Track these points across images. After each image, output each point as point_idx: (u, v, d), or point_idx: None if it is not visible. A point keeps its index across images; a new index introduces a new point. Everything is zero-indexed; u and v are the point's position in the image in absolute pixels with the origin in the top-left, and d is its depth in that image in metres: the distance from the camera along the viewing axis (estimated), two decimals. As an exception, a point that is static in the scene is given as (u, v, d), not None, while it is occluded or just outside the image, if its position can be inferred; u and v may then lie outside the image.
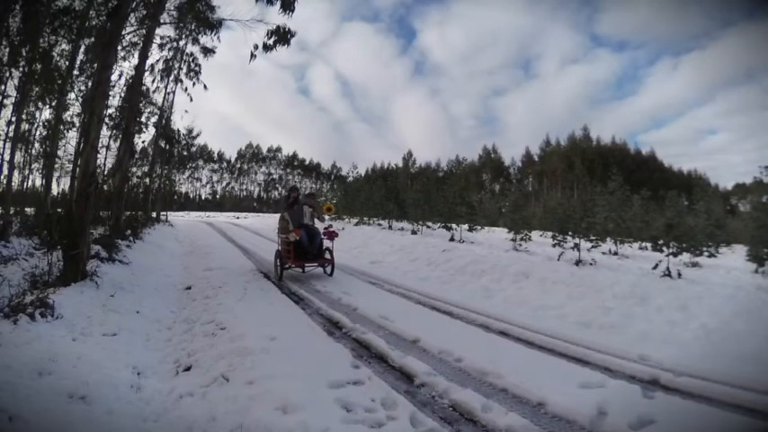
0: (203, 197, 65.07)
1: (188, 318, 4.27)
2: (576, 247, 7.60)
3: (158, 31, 11.33)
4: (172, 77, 15.49)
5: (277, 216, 8.06)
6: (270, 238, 13.97)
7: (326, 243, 6.46)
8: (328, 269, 6.38)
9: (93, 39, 10.40)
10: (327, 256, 6.37)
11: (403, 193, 17.37)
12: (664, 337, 3.60)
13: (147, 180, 17.72)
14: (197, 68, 15.22)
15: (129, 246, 8.09)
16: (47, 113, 13.18)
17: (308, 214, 6.42)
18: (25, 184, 15.65)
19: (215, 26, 10.35)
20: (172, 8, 10.79)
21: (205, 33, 12.30)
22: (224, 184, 67.34)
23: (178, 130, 17.27)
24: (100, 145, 9.95)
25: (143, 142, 16.41)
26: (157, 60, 14.44)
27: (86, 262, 4.84)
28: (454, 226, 11.40)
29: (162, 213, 19.87)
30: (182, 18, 11.38)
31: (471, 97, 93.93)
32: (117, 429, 2.06)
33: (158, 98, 15.86)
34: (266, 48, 7.66)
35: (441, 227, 12.36)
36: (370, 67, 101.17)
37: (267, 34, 7.55)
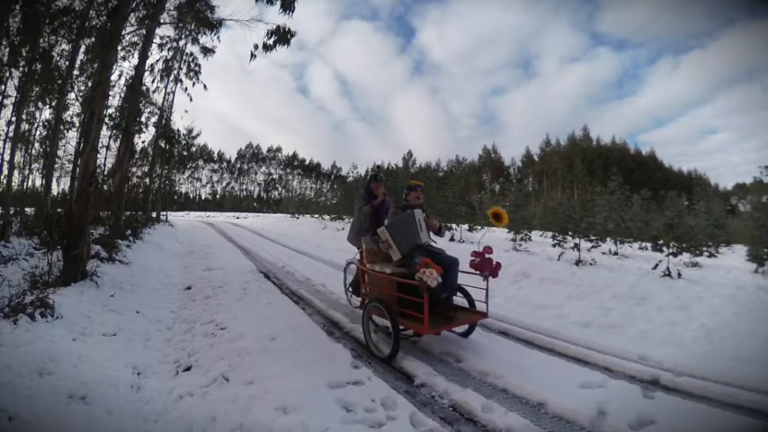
0: (203, 197, 65.17)
1: (188, 318, 4.26)
2: (576, 247, 7.60)
3: (158, 31, 11.38)
4: (172, 77, 15.49)
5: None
6: (271, 239, 14.01)
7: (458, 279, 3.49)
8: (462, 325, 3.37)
9: (93, 39, 10.39)
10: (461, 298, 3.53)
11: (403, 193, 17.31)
12: (664, 337, 3.60)
13: (147, 180, 17.72)
14: (197, 68, 15.22)
15: (129, 246, 8.08)
16: (47, 113, 13.22)
17: (424, 225, 3.55)
18: (25, 184, 15.66)
19: (215, 26, 10.33)
20: (172, 8, 10.81)
21: (205, 33, 12.29)
22: (224, 184, 67.48)
23: (178, 130, 17.24)
24: (100, 145, 9.99)
25: (143, 142, 16.44)
26: (157, 60, 14.46)
27: (86, 262, 4.84)
28: (454, 226, 11.39)
29: (162, 213, 19.88)
30: (181, 18, 11.37)
31: (471, 96, 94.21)
32: (117, 429, 2.05)
33: (158, 98, 15.89)
34: (266, 48, 7.65)
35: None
36: (368, 66, 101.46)
37: (267, 34, 7.54)
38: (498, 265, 3.25)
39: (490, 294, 3.37)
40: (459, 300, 3.53)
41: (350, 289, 4.58)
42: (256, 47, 7.80)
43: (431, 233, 3.67)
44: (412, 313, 2.96)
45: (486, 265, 3.22)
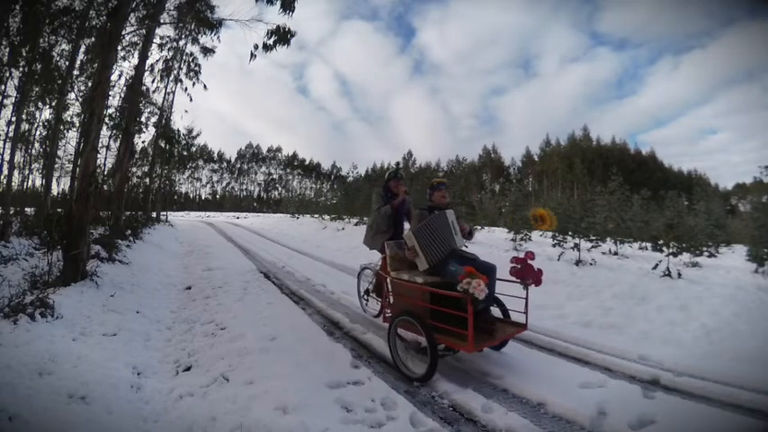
0: (203, 197, 65.21)
1: (188, 318, 4.26)
2: (576, 247, 7.60)
3: (158, 31, 11.38)
4: (172, 77, 15.50)
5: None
6: (271, 239, 14.00)
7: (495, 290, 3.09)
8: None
9: (93, 39, 10.40)
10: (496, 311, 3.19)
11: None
12: (664, 337, 3.61)
13: (147, 180, 17.72)
14: (197, 68, 15.23)
15: (129, 246, 8.08)
16: (47, 113, 13.22)
17: (458, 228, 3.25)
18: (25, 184, 15.66)
19: (215, 26, 10.33)
20: (172, 8, 10.81)
21: (205, 33, 12.30)
22: (224, 184, 67.53)
23: (178, 130, 17.24)
24: (100, 145, 10.00)
25: (143, 142, 16.45)
26: (157, 60, 14.47)
27: (86, 262, 4.84)
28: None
29: (162, 213, 19.88)
30: (181, 18, 11.37)
31: (471, 96, 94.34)
32: (117, 429, 2.05)
33: (158, 98, 15.90)
34: (266, 48, 7.64)
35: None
36: (368, 66, 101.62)
37: (267, 34, 7.53)
38: (540, 271, 2.87)
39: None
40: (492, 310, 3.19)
41: (365, 296, 4.32)
42: (256, 47, 7.80)
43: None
44: (448, 328, 2.61)
45: (528, 273, 2.85)
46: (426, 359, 2.67)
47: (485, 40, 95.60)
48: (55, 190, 17.41)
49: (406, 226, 4.01)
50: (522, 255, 2.93)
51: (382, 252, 3.74)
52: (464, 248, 3.29)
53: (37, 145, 14.31)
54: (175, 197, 44.91)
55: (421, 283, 2.91)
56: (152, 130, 15.72)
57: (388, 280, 3.30)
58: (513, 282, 2.94)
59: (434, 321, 2.72)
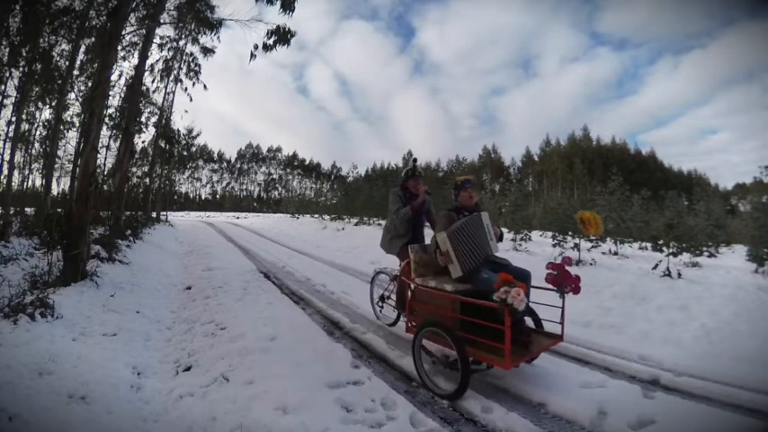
0: (203, 197, 65.21)
1: (188, 318, 4.26)
2: (576, 246, 7.60)
3: (158, 31, 11.38)
4: (172, 77, 15.50)
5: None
6: (271, 239, 14.00)
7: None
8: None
9: (93, 39, 10.40)
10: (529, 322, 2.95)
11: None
12: (664, 337, 3.61)
13: (147, 180, 17.73)
14: (197, 68, 15.23)
15: (129, 246, 8.08)
16: (47, 113, 13.23)
17: (492, 232, 3.02)
18: (25, 184, 15.67)
19: (215, 26, 10.33)
20: (172, 8, 10.81)
21: (205, 33, 12.31)
22: (224, 184, 67.54)
23: (178, 130, 17.25)
24: (100, 145, 9.99)
25: (143, 142, 16.46)
26: (157, 60, 14.48)
27: (86, 262, 4.84)
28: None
29: (162, 213, 19.88)
30: (181, 18, 11.38)
31: (471, 96, 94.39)
32: (117, 429, 2.05)
33: (158, 98, 15.91)
34: (266, 48, 7.64)
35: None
36: (368, 66, 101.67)
37: (267, 34, 7.53)
38: (578, 278, 2.60)
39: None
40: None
41: (379, 303, 4.03)
42: (256, 47, 7.80)
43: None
44: (483, 341, 2.37)
45: (566, 280, 2.59)
46: (455, 375, 2.44)
47: (485, 40, 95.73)
48: (55, 190, 17.45)
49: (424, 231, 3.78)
50: (558, 260, 2.65)
51: (401, 257, 3.52)
52: (498, 255, 3.02)
53: (37, 145, 14.33)
54: (175, 197, 44.92)
55: (451, 291, 2.66)
56: (152, 130, 15.75)
57: (412, 287, 3.05)
58: (544, 288, 2.69)
59: (465, 333, 2.47)
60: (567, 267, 2.62)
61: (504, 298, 2.21)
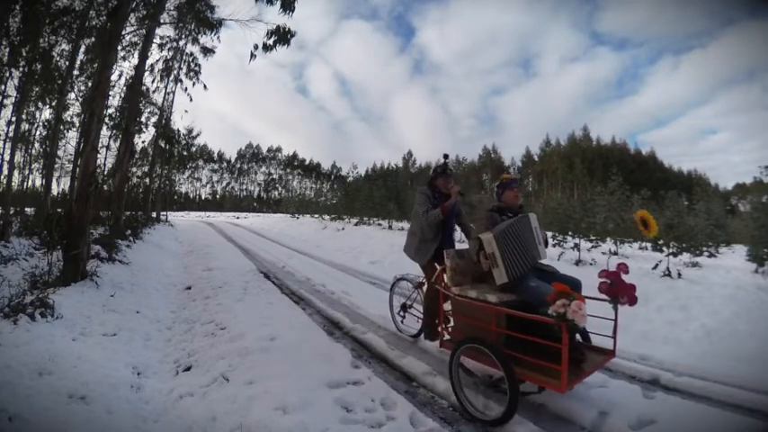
0: (203, 197, 65.24)
1: (188, 318, 4.27)
2: (576, 247, 7.61)
3: (158, 31, 11.39)
4: (172, 77, 15.52)
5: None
6: (271, 239, 14.01)
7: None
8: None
9: (93, 39, 10.40)
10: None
11: (403, 194, 17.39)
12: (664, 337, 3.61)
13: (147, 180, 17.74)
14: (197, 68, 15.25)
15: (129, 246, 8.09)
16: (47, 113, 13.23)
17: (541, 237, 2.80)
18: (25, 184, 15.67)
19: (215, 26, 10.33)
20: (172, 8, 10.82)
21: (205, 33, 12.30)
22: (224, 184, 67.56)
23: (178, 130, 17.27)
24: (100, 145, 9.99)
25: (143, 142, 16.48)
26: (157, 60, 14.50)
27: (86, 262, 4.84)
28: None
29: (162, 213, 19.89)
30: (181, 18, 11.38)
31: (471, 96, 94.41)
32: (117, 429, 2.05)
33: (158, 98, 15.92)
34: (266, 48, 7.64)
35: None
36: (368, 66, 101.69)
37: (267, 34, 7.54)
38: (634, 287, 2.28)
39: None
40: None
41: (401, 313, 3.72)
42: (256, 47, 7.81)
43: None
44: (534, 360, 2.10)
45: (622, 290, 2.28)
46: (499, 396, 2.20)
47: (485, 40, 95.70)
48: (55, 190, 17.44)
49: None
50: (612, 268, 2.33)
51: (429, 264, 3.26)
52: (545, 262, 2.79)
53: (37, 145, 14.33)
54: (175, 197, 44.93)
55: (495, 303, 2.38)
56: (152, 130, 15.76)
57: (448, 297, 2.76)
58: (592, 298, 2.39)
59: (510, 350, 2.22)
60: (622, 275, 2.30)
61: (563, 312, 1.93)
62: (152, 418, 2.25)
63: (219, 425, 2.13)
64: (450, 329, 2.77)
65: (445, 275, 2.83)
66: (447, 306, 2.84)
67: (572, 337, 2.07)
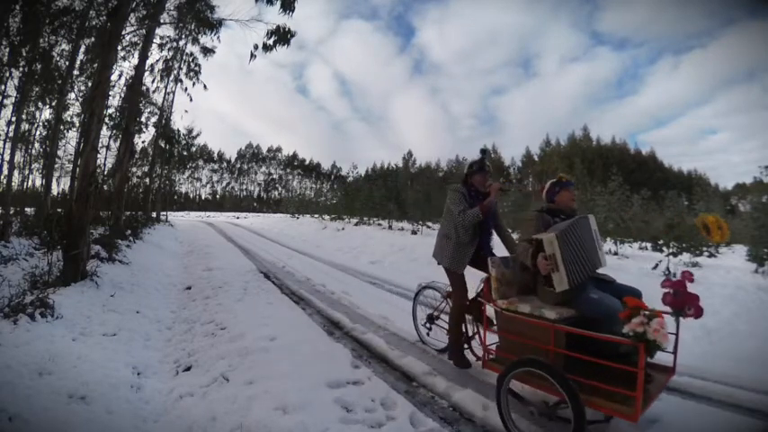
0: (203, 197, 65.21)
1: (188, 318, 4.27)
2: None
3: (158, 31, 11.39)
4: (172, 77, 15.52)
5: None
6: (271, 239, 14.01)
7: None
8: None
9: (93, 39, 10.40)
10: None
11: (403, 193, 17.40)
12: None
13: (147, 180, 17.74)
14: (197, 68, 15.25)
15: (129, 246, 8.09)
16: (47, 113, 13.23)
17: (601, 242, 2.59)
18: (25, 184, 15.67)
19: (215, 26, 10.34)
20: (172, 8, 10.82)
21: (205, 33, 12.30)
22: (224, 184, 67.52)
23: (178, 130, 17.27)
24: (100, 145, 9.99)
25: (143, 142, 16.49)
26: (157, 60, 14.50)
27: (86, 262, 4.84)
28: None
29: (162, 213, 19.90)
30: (181, 18, 11.38)
31: (471, 96, 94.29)
32: (117, 429, 2.05)
33: (158, 98, 15.92)
34: (266, 48, 7.65)
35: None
36: (368, 66, 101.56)
37: (267, 34, 7.55)
38: (698, 297, 1.96)
39: None
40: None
41: (426, 324, 3.39)
42: (256, 47, 7.81)
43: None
44: (591, 383, 1.86)
45: (687, 301, 1.96)
46: (553, 425, 2.00)
47: (485, 40, 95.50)
48: (55, 190, 17.45)
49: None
50: (677, 277, 2.06)
51: (461, 273, 2.96)
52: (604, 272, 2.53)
53: (37, 145, 14.34)
54: (175, 197, 44.92)
55: (554, 320, 2.09)
56: (152, 130, 15.77)
57: (493, 310, 2.46)
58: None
59: (571, 373, 1.92)
60: (688, 284, 2.01)
61: (642, 332, 1.70)
62: (152, 418, 2.25)
63: (219, 425, 2.13)
64: (494, 348, 2.47)
65: (491, 287, 2.47)
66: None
67: (649, 359, 1.80)
